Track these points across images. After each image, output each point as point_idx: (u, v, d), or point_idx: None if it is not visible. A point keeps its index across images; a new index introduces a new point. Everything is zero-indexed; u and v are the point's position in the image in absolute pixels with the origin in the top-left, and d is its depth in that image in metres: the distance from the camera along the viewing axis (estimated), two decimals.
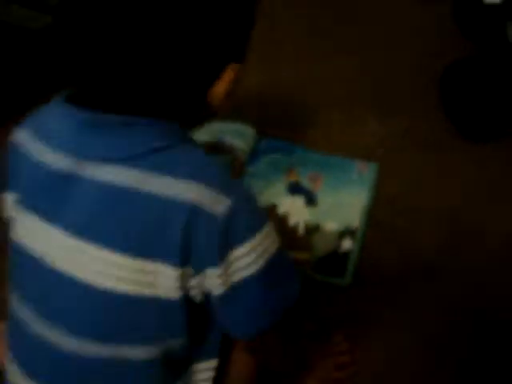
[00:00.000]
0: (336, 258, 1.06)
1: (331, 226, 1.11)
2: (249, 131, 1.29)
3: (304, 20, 1.69)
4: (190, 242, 0.56)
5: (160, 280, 0.57)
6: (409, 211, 1.14)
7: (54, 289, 0.61)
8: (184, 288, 0.58)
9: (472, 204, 1.16)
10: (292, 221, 1.12)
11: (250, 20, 0.65)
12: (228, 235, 0.57)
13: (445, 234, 1.10)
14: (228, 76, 0.62)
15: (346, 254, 1.06)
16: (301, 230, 1.10)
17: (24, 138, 0.64)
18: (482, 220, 1.13)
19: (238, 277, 0.59)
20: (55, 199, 0.60)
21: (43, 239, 0.61)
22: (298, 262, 1.05)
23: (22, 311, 0.64)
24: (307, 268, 1.04)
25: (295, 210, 1.14)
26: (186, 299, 0.59)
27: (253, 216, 0.60)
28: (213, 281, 0.58)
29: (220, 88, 0.63)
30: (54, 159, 0.59)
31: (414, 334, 0.97)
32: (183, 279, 0.58)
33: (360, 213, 1.13)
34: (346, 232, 1.10)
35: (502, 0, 1.51)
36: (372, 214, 1.14)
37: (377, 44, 1.57)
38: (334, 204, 1.15)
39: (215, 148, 1.26)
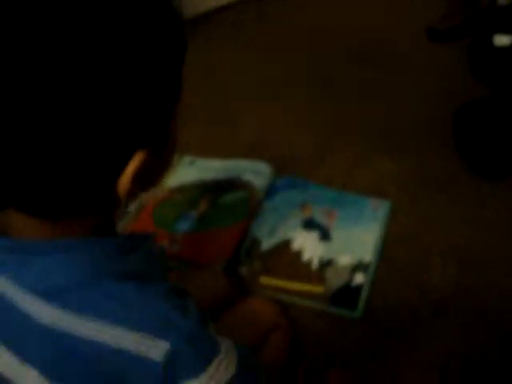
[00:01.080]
0: (348, 292, 1.08)
1: (344, 260, 1.14)
2: (266, 169, 1.35)
3: (319, 64, 1.76)
4: None
5: None
6: (421, 248, 1.17)
7: None
8: None
9: (484, 242, 1.18)
10: (306, 255, 1.16)
11: (165, 99, 0.51)
12: (170, 380, 0.51)
13: (456, 272, 1.12)
14: (134, 164, 0.49)
15: (359, 288, 1.09)
16: (315, 264, 1.14)
17: None
18: (495, 259, 1.15)
19: None
20: None
21: None
22: (312, 295, 1.08)
23: None
24: (320, 301, 1.07)
25: (309, 245, 1.18)
26: None
27: (199, 353, 0.52)
28: None
29: (124, 180, 0.50)
30: None
31: (424, 370, 0.99)
32: None
33: (372, 248, 1.16)
34: (359, 266, 1.12)
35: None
36: (384, 250, 1.17)
37: (390, 84, 1.63)
38: (348, 239, 1.18)
39: (233, 184, 1.31)
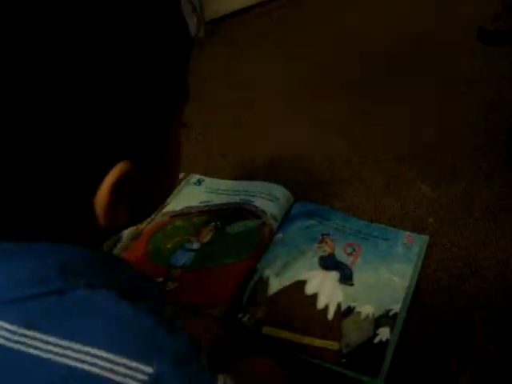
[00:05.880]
0: (370, 351, 0.88)
1: (367, 309, 0.94)
2: (283, 194, 1.16)
3: (346, 74, 1.57)
4: None
5: None
6: (462, 295, 0.96)
7: None
8: None
9: None
10: (322, 302, 0.96)
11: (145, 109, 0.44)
12: None
13: (505, 329, 0.91)
14: (113, 176, 0.43)
15: (383, 346, 0.89)
16: (331, 313, 0.95)
17: None
18: None
19: None
20: None
21: None
22: (325, 352, 0.89)
23: None
24: (334, 361, 0.88)
25: (327, 289, 0.98)
26: None
27: (190, 379, 0.44)
28: None
29: (101, 195, 0.44)
30: None
31: None
32: None
33: (403, 295, 0.96)
34: (385, 318, 0.93)
35: None
36: (418, 298, 0.96)
37: (429, 96, 1.42)
38: (373, 283, 0.98)
39: (242, 210, 1.13)
